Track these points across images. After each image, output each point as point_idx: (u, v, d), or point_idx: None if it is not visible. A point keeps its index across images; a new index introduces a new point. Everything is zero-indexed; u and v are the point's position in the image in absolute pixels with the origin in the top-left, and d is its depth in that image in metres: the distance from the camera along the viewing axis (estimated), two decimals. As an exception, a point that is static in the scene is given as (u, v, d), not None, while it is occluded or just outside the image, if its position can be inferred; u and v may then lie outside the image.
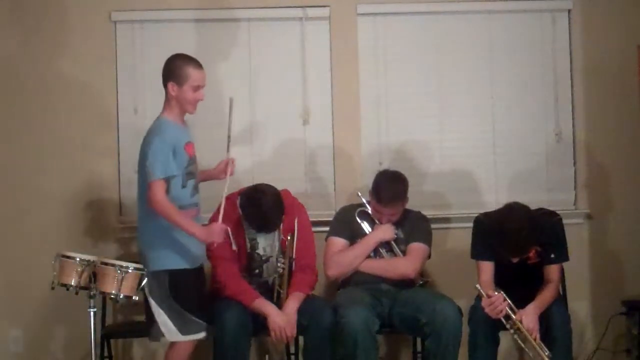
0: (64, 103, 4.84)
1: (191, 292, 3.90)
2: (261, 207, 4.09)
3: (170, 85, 3.87)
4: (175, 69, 3.89)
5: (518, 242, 3.91)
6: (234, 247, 4.20)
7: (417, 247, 4.34)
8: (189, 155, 3.89)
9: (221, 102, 4.89)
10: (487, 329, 4.02)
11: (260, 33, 4.91)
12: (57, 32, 4.83)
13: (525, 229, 3.89)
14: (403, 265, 4.31)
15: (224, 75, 4.88)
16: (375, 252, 4.37)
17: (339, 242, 4.38)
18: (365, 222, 4.39)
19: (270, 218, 4.12)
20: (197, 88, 3.90)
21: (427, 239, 4.38)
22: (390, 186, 4.32)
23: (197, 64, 3.92)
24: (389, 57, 4.94)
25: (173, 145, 3.80)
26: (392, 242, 4.35)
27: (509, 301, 3.93)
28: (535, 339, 3.88)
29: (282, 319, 4.03)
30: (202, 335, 3.90)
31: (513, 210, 3.98)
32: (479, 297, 4.04)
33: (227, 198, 4.29)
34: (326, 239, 4.43)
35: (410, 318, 4.14)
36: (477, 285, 3.98)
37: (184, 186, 3.86)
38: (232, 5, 4.88)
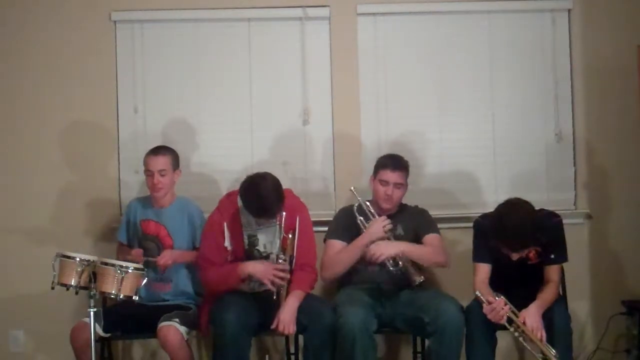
0: (64, 102, 4.84)
1: None
2: (260, 191, 4.06)
3: None
4: None
5: (519, 236, 3.89)
6: (226, 244, 4.20)
7: (433, 238, 4.37)
8: (143, 231, 4.42)
9: (222, 103, 4.91)
10: (484, 329, 4.00)
11: (260, 33, 4.91)
12: (57, 31, 4.84)
13: (527, 223, 3.87)
14: (437, 255, 4.33)
15: (224, 75, 4.89)
16: None
17: (337, 245, 4.37)
18: (362, 218, 4.38)
19: (268, 202, 4.08)
20: (147, 172, 4.36)
21: (436, 228, 4.42)
22: (395, 156, 4.44)
23: (152, 150, 4.40)
24: (389, 57, 4.94)
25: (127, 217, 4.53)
26: (392, 239, 4.34)
27: (510, 305, 3.92)
28: (541, 340, 3.87)
29: (265, 269, 4.14)
30: None
31: (514, 206, 3.96)
32: (476, 299, 4.03)
33: (227, 196, 4.32)
34: (324, 241, 4.43)
35: (414, 318, 4.13)
36: (477, 292, 3.97)
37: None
38: (232, 5, 4.88)
